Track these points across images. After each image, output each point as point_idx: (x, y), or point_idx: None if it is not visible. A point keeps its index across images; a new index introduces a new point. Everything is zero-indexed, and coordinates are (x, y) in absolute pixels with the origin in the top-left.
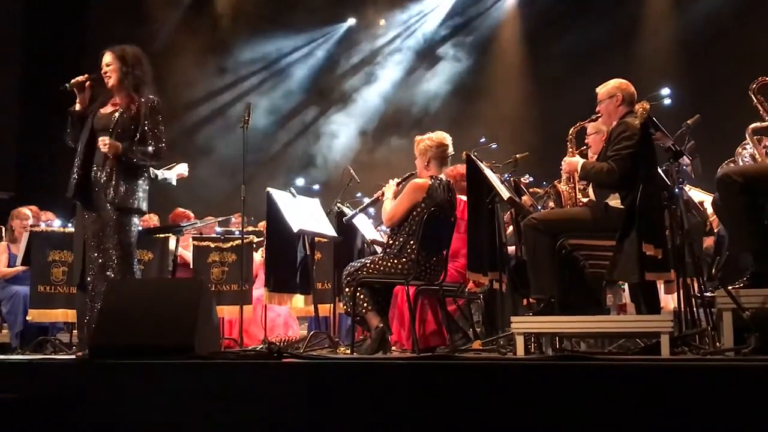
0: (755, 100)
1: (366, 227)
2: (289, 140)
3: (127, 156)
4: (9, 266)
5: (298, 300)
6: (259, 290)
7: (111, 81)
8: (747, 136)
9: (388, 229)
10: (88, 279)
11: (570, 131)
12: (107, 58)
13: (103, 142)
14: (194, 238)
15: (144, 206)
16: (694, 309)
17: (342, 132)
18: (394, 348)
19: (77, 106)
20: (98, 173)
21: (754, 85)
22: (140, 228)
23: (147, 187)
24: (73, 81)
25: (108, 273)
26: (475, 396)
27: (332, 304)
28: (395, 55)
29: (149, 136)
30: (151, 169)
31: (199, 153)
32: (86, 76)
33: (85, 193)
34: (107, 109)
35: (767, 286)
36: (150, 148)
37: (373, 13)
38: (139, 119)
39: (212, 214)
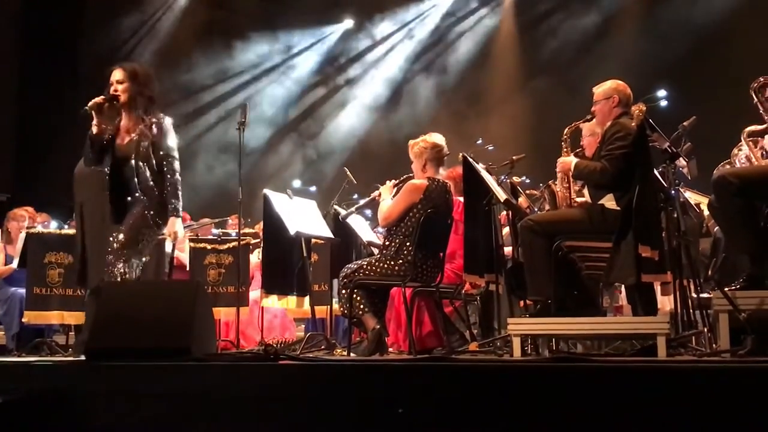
0: (755, 99)
1: (362, 229)
2: (294, 139)
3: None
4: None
5: (291, 301)
6: (255, 292)
7: (121, 99)
8: (742, 139)
9: (384, 231)
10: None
11: (565, 131)
12: (118, 74)
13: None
14: (191, 240)
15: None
16: (691, 311)
17: (347, 123)
18: (390, 350)
19: (94, 129)
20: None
21: (755, 85)
22: None
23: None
24: (91, 103)
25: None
26: (472, 398)
27: (329, 306)
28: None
29: (165, 163)
30: None
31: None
32: (103, 97)
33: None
34: (124, 139)
35: (763, 287)
36: (172, 186)
37: (370, 13)
38: (154, 145)
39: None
